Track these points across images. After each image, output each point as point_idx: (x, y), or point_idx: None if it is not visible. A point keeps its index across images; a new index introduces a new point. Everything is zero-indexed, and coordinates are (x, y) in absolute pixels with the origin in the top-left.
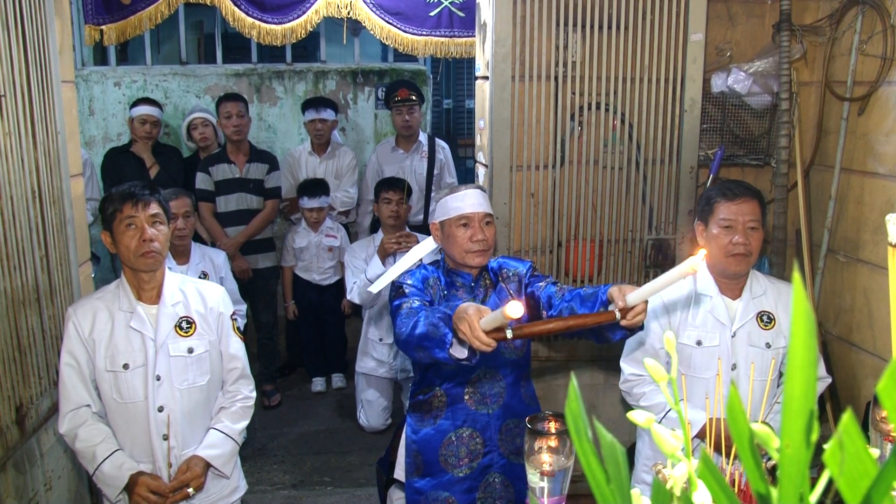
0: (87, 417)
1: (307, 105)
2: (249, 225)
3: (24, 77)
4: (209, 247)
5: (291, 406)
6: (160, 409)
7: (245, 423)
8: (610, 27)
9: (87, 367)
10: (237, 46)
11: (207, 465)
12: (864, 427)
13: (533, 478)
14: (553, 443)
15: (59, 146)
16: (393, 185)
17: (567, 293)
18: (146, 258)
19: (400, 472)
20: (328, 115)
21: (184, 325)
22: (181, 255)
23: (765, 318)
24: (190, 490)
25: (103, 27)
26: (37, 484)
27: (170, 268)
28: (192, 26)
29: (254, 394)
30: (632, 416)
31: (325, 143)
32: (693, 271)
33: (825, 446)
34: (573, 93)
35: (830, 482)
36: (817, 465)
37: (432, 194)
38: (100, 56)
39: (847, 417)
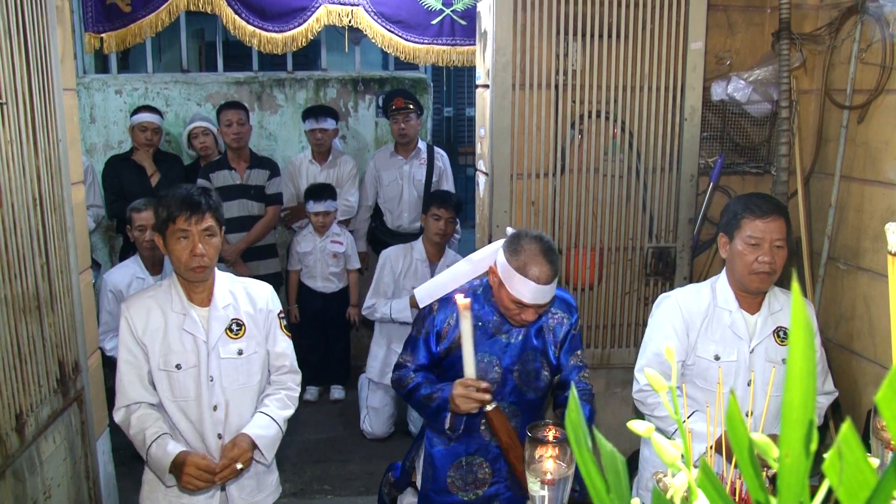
0: (139, 406)
1: (307, 114)
2: (251, 231)
3: (26, 84)
4: None
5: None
6: (214, 409)
7: (289, 412)
8: (610, 36)
9: (144, 363)
10: (238, 54)
11: (254, 444)
12: (866, 435)
13: (534, 486)
14: (554, 451)
15: (60, 153)
16: (445, 202)
17: (564, 389)
18: (195, 272)
19: (418, 479)
20: (328, 124)
21: (234, 327)
22: (154, 265)
23: (781, 333)
24: (239, 466)
25: (103, 35)
26: (36, 492)
27: (142, 278)
28: (193, 34)
29: (299, 388)
30: (632, 425)
31: (326, 151)
32: None
33: (825, 455)
34: (573, 101)
35: (830, 492)
36: (818, 475)
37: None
38: (101, 64)
39: (846, 427)
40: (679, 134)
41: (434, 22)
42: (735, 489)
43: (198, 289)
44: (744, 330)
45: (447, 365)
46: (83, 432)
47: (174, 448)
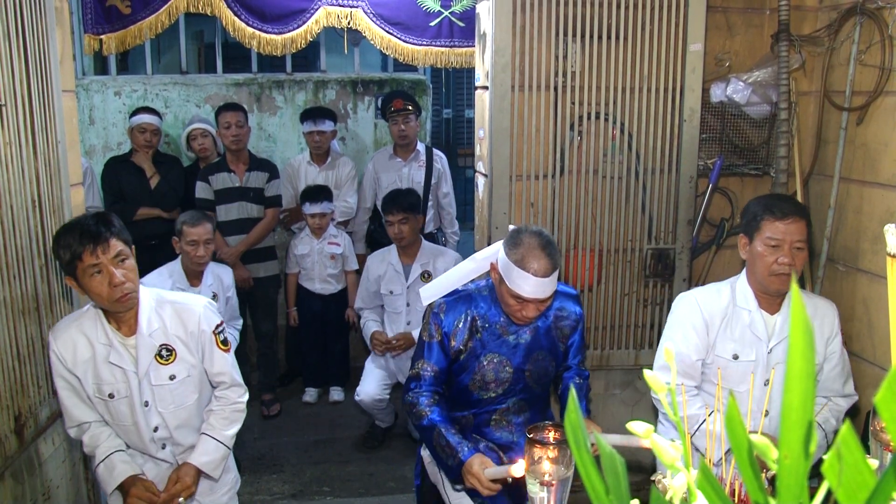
0: (90, 426)
1: (305, 116)
2: (250, 234)
3: (25, 86)
4: (218, 264)
5: (290, 416)
6: (155, 429)
7: (236, 427)
8: (609, 37)
9: (81, 389)
10: (237, 56)
11: (199, 473)
12: (865, 437)
13: (533, 488)
14: (553, 453)
15: (59, 155)
16: (391, 205)
17: (563, 383)
18: (123, 302)
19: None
20: (326, 126)
21: (164, 353)
22: (195, 278)
23: None
24: (181, 500)
25: (103, 37)
26: (35, 493)
27: (182, 288)
28: (192, 36)
29: (244, 398)
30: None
31: (325, 153)
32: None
33: (824, 457)
34: (573, 102)
35: (829, 493)
36: (817, 476)
37: (439, 204)
38: (100, 65)
39: (845, 428)
40: (678, 135)
41: (432, 24)
42: (734, 490)
43: (123, 317)
44: (763, 330)
45: (455, 370)
46: None
47: (121, 473)
